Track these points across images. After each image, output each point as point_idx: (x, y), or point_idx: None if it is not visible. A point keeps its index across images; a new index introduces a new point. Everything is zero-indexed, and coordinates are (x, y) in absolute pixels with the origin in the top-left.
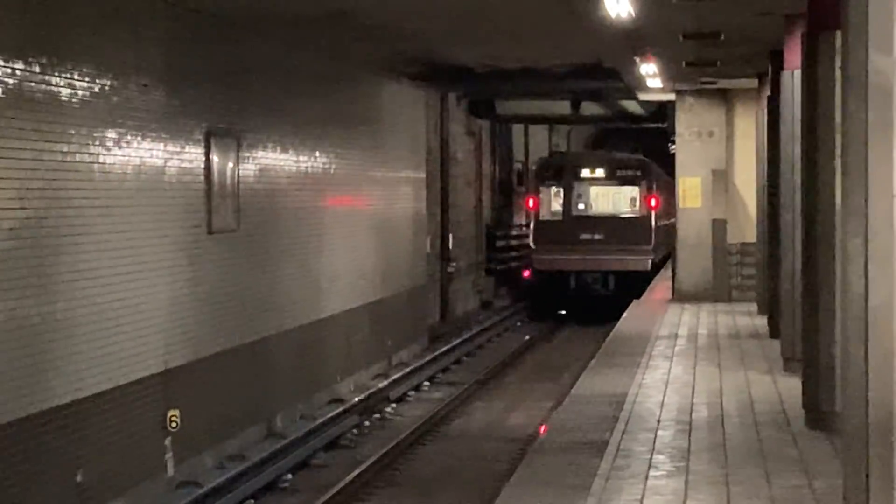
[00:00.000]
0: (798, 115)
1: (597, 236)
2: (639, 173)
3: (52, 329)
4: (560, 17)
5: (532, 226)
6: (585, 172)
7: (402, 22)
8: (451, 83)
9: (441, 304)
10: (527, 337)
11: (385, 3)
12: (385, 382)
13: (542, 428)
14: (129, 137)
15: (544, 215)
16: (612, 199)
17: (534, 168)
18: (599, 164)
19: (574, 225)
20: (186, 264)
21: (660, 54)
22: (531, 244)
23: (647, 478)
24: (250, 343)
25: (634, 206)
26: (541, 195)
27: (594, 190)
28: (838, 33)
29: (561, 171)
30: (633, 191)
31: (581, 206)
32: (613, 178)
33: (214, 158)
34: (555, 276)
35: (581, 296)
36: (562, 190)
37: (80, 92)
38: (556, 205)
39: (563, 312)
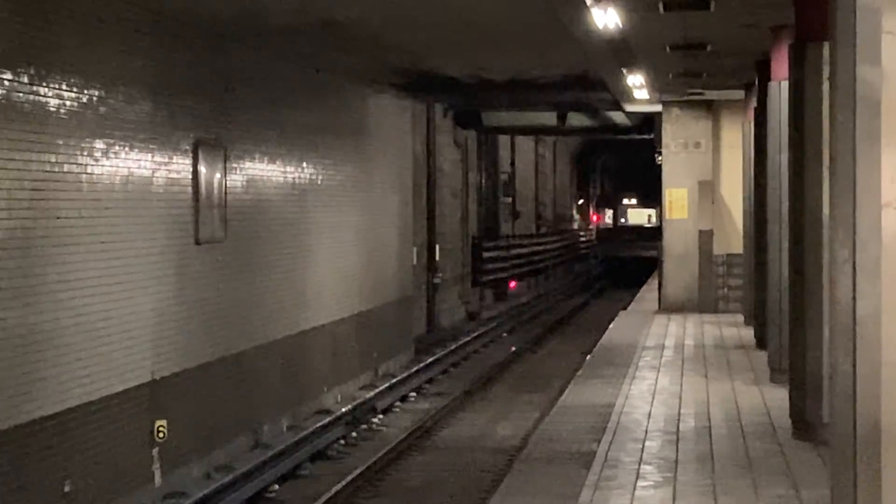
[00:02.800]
0: (785, 125)
1: (632, 237)
2: (655, 201)
3: (38, 339)
4: (547, 28)
5: (595, 231)
6: (625, 201)
7: (388, 33)
8: (438, 94)
9: (427, 315)
10: (513, 348)
11: (371, 14)
12: (372, 393)
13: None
14: (116, 148)
15: (602, 225)
16: (640, 216)
17: (595, 198)
18: (633, 196)
19: (620, 231)
20: (173, 274)
21: (646, 65)
22: (595, 241)
23: (634, 488)
24: (237, 353)
25: (652, 220)
26: (600, 214)
27: (630, 211)
28: (826, 44)
29: (611, 200)
30: (651, 211)
31: (623, 220)
32: (641, 205)
33: (202, 169)
34: (608, 259)
35: (624, 270)
36: (612, 211)
37: (68, 103)
38: (608, 219)
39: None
